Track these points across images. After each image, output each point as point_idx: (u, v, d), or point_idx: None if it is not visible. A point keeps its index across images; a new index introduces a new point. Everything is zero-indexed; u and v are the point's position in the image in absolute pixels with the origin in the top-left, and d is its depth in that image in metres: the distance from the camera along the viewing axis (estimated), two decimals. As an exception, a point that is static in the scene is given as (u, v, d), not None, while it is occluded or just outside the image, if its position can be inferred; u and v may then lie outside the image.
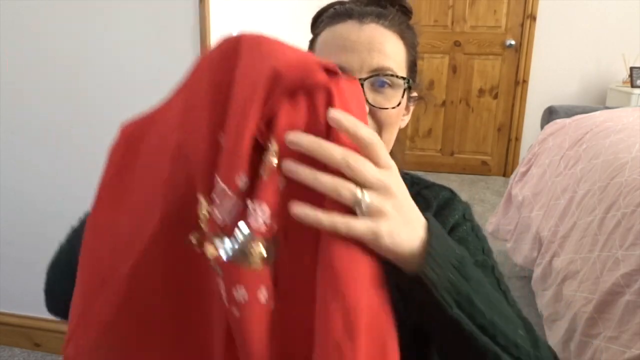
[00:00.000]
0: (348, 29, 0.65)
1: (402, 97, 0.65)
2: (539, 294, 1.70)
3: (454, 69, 3.89)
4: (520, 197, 2.12)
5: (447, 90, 3.93)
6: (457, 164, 4.04)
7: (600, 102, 3.59)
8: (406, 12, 0.71)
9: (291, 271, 0.43)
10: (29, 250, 1.64)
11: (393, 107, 0.64)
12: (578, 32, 3.58)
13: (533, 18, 3.62)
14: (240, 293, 0.41)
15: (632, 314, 1.19)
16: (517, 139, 3.86)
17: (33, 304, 1.69)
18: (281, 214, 0.41)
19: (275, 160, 0.41)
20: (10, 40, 1.47)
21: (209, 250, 0.42)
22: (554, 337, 1.47)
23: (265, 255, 0.41)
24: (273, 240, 0.42)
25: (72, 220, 1.57)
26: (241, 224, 0.41)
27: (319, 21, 0.70)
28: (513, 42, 3.71)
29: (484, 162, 4.01)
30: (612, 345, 1.21)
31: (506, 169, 3.94)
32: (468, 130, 3.97)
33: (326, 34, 0.67)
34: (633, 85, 3.24)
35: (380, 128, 0.64)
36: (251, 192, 0.42)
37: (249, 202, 0.41)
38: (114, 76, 1.43)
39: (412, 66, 0.70)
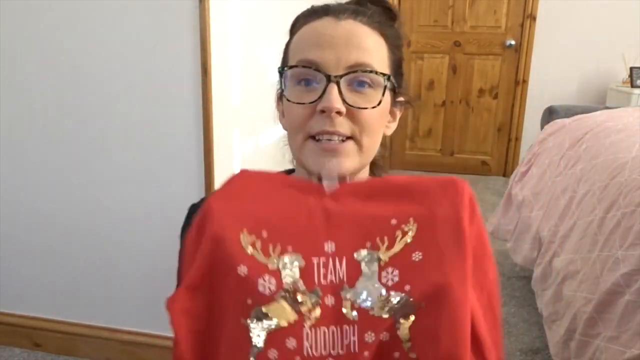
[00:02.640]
0: (324, 25, 0.62)
1: (383, 96, 0.61)
2: (539, 294, 1.70)
3: (454, 69, 3.89)
4: (520, 197, 2.12)
5: (447, 90, 3.93)
6: (457, 164, 4.04)
7: (600, 102, 3.59)
8: (389, 13, 0.68)
9: (423, 330, 0.52)
10: (29, 250, 1.64)
11: (373, 107, 0.60)
12: (578, 32, 3.58)
13: (533, 18, 3.62)
14: (370, 336, 0.52)
15: (632, 314, 1.19)
16: (517, 139, 3.86)
17: (33, 304, 1.69)
18: (414, 281, 0.53)
19: (409, 240, 0.54)
20: (10, 41, 1.47)
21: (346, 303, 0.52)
22: (554, 337, 1.47)
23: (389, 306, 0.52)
24: (400, 297, 0.52)
25: (71, 220, 1.57)
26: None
27: (296, 21, 0.68)
28: (513, 42, 3.71)
29: (484, 162, 4.01)
30: (612, 345, 1.21)
31: (506, 169, 3.94)
32: (468, 130, 3.97)
33: (302, 32, 0.64)
34: (633, 85, 3.24)
35: (360, 131, 0.60)
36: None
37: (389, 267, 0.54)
38: (114, 76, 1.43)
39: (397, 67, 0.66)
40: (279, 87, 0.67)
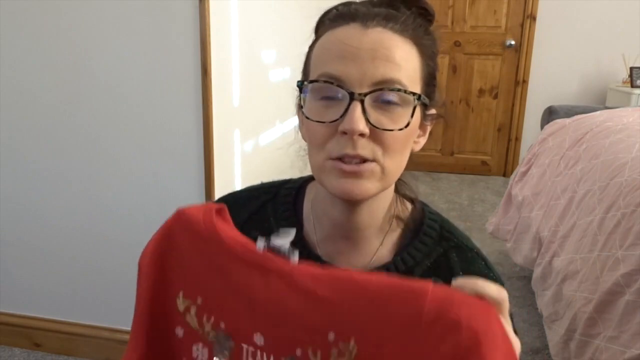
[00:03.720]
0: (349, 34, 0.55)
1: (412, 117, 0.55)
2: (539, 294, 1.70)
3: (454, 69, 3.89)
4: (520, 197, 2.12)
5: (447, 90, 3.93)
6: (457, 164, 4.04)
7: (600, 102, 3.59)
8: (425, 14, 0.60)
9: None
10: (29, 250, 1.64)
11: (400, 129, 0.54)
12: (578, 32, 3.58)
13: (533, 18, 3.62)
14: None
15: (632, 314, 1.19)
16: (517, 139, 3.86)
17: (33, 304, 1.69)
18: None
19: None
20: (10, 41, 1.47)
21: None
22: (554, 337, 1.47)
23: None
24: None
25: (71, 220, 1.57)
26: None
27: (321, 24, 0.61)
28: (513, 42, 3.71)
29: (484, 162, 4.01)
30: (612, 345, 1.21)
31: (506, 169, 3.94)
32: (468, 130, 3.97)
33: (325, 39, 0.57)
34: (633, 85, 3.24)
35: (383, 153, 0.54)
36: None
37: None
38: (114, 76, 1.43)
39: (430, 79, 0.59)
40: (298, 96, 0.61)
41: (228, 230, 0.53)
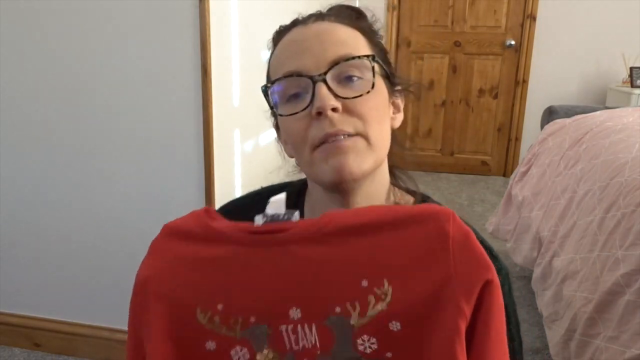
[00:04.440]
0: (294, 34, 0.60)
1: (374, 77, 0.57)
2: (539, 293, 1.70)
3: (454, 69, 3.89)
4: (520, 197, 2.12)
5: (447, 90, 3.93)
6: (457, 164, 4.04)
7: (600, 102, 3.59)
8: (355, 12, 0.64)
9: None
10: (29, 250, 1.64)
11: (368, 92, 0.56)
12: (578, 32, 3.58)
13: (533, 18, 3.62)
14: None
15: (632, 314, 1.19)
16: (517, 139, 3.86)
17: (33, 304, 1.69)
18: (396, 349, 0.46)
19: (384, 307, 0.47)
20: (10, 42, 1.47)
21: None
22: (554, 337, 1.47)
23: None
24: None
25: (71, 220, 1.57)
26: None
27: (272, 42, 0.65)
28: (513, 42, 3.71)
29: (484, 162, 4.01)
30: (612, 345, 1.21)
31: (506, 169, 3.94)
32: (468, 130, 3.97)
33: (276, 50, 0.62)
34: (633, 85, 3.24)
35: (364, 124, 0.56)
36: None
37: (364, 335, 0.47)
38: (114, 76, 1.43)
39: (381, 55, 0.62)
40: (272, 117, 0.64)
41: (222, 223, 0.52)
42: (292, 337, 0.48)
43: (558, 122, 2.25)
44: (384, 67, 0.61)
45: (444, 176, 3.95)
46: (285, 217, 0.50)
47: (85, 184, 1.53)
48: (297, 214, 0.50)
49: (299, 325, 0.48)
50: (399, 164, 0.68)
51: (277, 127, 0.65)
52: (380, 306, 0.46)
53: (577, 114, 2.26)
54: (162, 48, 1.38)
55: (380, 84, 0.59)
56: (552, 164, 2.02)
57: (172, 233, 0.54)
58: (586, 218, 1.54)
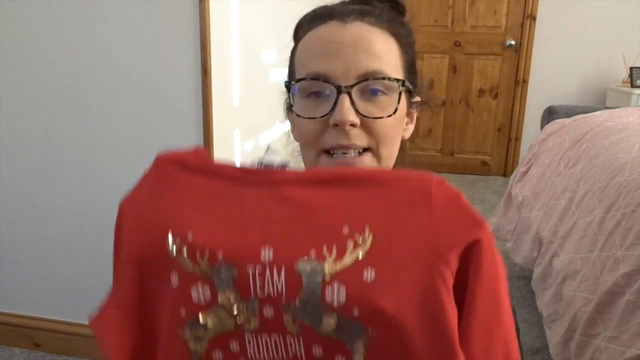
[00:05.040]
0: (329, 31, 0.57)
1: (398, 103, 0.57)
2: (539, 294, 1.70)
3: (454, 69, 3.89)
4: (520, 197, 2.12)
5: (447, 90, 3.93)
6: (457, 164, 4.04)
7: (600, 102, 3.59)
8: (397, 7, 0.63)
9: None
10: (29, 250, 1.64)
11: (389, 116, 0.56)
12: (578, 32, 3.58)
13: (533, 18, 3.62)
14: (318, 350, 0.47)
15: (632, 314, 1.19)
16: (517, 139, 3.86)
17: (33, 304, 1.69)
18: (364, 305, 0.45)
19: (360, 255, 0.45)
20: (10, 42, 1.46)
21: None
22: (554, 337, 1.47)
23: (334, 327, 0.45)
24: (347, 321, 0.45)
25: (71, 220, 1.57)
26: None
27: (299, 27, 0.63)
28: (513, 42, 3.71)
29: (484, 162, 4.01)
30: (612, 345, 1.21)
31: (506, 169, 3.94)
32: (468, 130, 3.97)
33: (306, 39, 0.60)
34: (633, 85, 3.24)
35: (377, 142, 0.57)
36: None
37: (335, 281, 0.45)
38: (114, 76, 1.43)
39: (410, 67, 0.62)
40: (286, 98, 0.62)
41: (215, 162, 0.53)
42: (259, 282, 0.46)
43: (558, 122, 2.25)
44: (409, 83, 0.60)
45: (444, 176, 3.93)
46: (279, 166, 0.50)
47: (86, 185, 1.53)
48: (290, 164, 0.51)
49: (267, 268, 0.46)
50: (398, 164, 0.69)
51: (289, 107, 0.63)
52: (358, 253, 0.45)
53: (577, 114, 2.26)
54: (162, 48, 1.38)
55: (402, 105, 0.59)
56: (552, 164, 2.02)
57: (165, 160, 0.55)
58: (586, 218, 1.54)
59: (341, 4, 0.62)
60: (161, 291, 0.50)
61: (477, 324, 0.45)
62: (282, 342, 0.47)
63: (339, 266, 0.45)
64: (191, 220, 0.49)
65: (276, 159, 0.51)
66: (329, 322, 0.45)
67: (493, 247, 0.47)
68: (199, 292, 0.47)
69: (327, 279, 0.45)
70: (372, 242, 0.45)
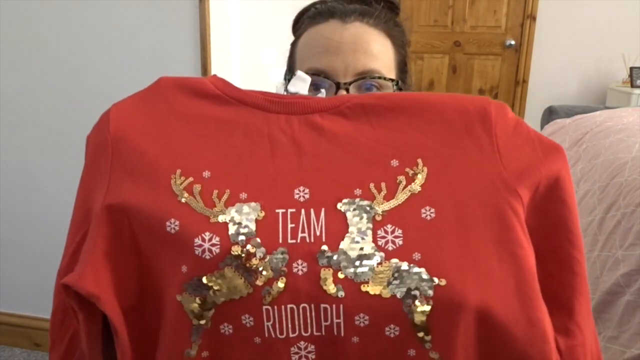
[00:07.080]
0: (330, 29, 0.61)
1: None
2: (539, 294, 1.70)
3: (454, 69, 3.89)
4: (520, 197, 2.12)
5: (447, 90, 3.93)
6: (457, 164, 4.04)
7: (600, 102, 3.59)
8: (393, 8, 0.67)
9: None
10: (29, 250, 1.64)
11: None
12: (578, 32, 3.58)
13: (533, 18, 3.62)
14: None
15: (632, 314, 1.19)
16: (517, 139, 3.86)
17: (33, 304, 1.69)
18: (426, 247, 0.37)
19: (417, 189, 0.38)
20: (10, 42, 1.46)
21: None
22: (554, 337, 1.47)
23: (389, 279, 0.36)
24: (409, 268, 0.36)
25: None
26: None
27: (300, 22, 0.67)
28: (513, 42, 3.71)
29: (484, 162, 4.01)
30: (612, 345, 1.21)
31: (506, 169, 3.94)
32: (468, 130, 3.97)
33: (308, 35, 0.63)
34: (633, 85, 3.24)
35: None
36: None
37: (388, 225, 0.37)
38: (114, 76, 1.43)
39: (402, 66, 0.66)
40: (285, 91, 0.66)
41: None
42: (290, 227, 0.37)
43: (558, 122, 2.25)
44: (401, 82, 0.64)
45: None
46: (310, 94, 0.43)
47: (85, 184, 1.53)
48: (324, 92, 0.49)
49: (303, 209, 0.38)
50: None
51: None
52: (412, 187, 0.38)
53: (577, 114, 2.26)
54: (162, 48, 1.38)
55: None
56: (552, 164, 2.02)
57: (173, 84, 0.46)
58: (586, 218, 1.54)
59: (341, 2, 0.64)
60: (154, 241, 0.40)
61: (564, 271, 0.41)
62: (313, 314, 0.36)
63: (391, 205, 0.38)
64: (208, 156, 0.40)
65: (305, 87, 0.44)
66: (383, 274, 0.35)
67: (569, 177, 0.41)
68: (206, 243, 0.37)
69: (379, 219, 0.37)
70: (427, 176, 0.38)
